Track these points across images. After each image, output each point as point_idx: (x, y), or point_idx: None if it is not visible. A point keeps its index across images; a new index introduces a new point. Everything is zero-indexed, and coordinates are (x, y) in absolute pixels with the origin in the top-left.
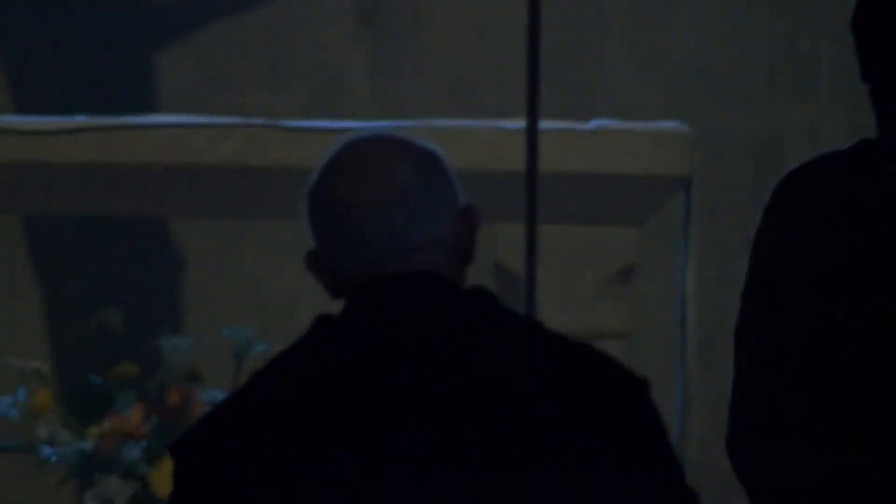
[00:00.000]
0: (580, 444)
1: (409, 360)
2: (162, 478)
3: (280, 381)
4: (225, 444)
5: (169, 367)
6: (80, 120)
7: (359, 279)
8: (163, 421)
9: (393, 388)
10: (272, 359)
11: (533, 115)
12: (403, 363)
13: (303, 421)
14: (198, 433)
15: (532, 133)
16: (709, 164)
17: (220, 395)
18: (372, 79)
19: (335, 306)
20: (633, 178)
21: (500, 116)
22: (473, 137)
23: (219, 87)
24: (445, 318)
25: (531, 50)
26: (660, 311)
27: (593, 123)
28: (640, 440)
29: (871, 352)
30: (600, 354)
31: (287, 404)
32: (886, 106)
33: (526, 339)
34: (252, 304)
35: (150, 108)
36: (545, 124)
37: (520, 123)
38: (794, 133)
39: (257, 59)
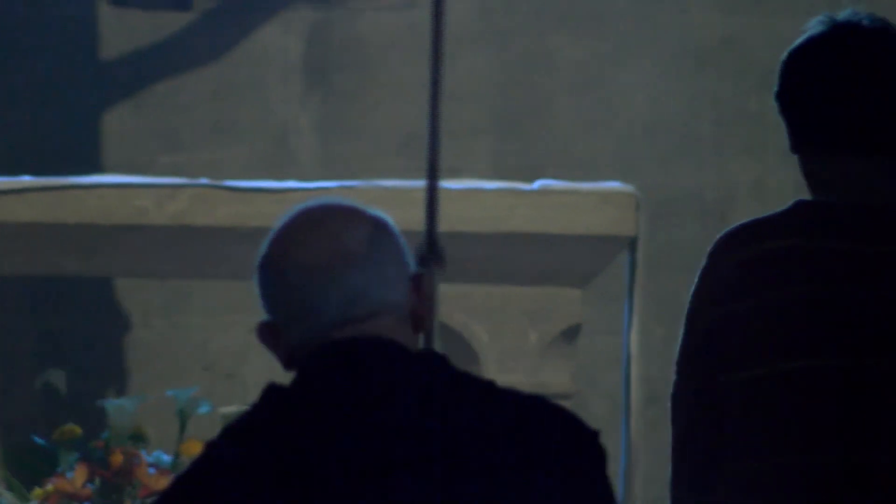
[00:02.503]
0: (532, 495)
1: (362, 426)
2: None
3: (234, 451)
4: None
5: (113, 427)
6: (26, 180)
7: (310, 346)
8: (107, 482)
9: (349, 455)
10: (225, 429)
11: (433, 176)
12: (357, 430)
13: (258, 491)
14: None
15: (432, 194)
16: (656, 222)
17: (164, 456)
18: (319, 137)
19: (280, 367)
20: (578, 238)
21: (448, 175)
22: (417, 196)
23: (165, 146)
24: (398, 383)
25: (432, 111)
26: (605, 370)
27: (538, 183)
28: (584, 488)
29: (808, 410)
30: (551, 407)
31: (242, 474)
32: (815, 174)
33: (478, 399)
34: (198, 364)
35: (97, 167)
36: (490, 184)
37: (465, 183)
38: (742, 191)
39: (204, 117)
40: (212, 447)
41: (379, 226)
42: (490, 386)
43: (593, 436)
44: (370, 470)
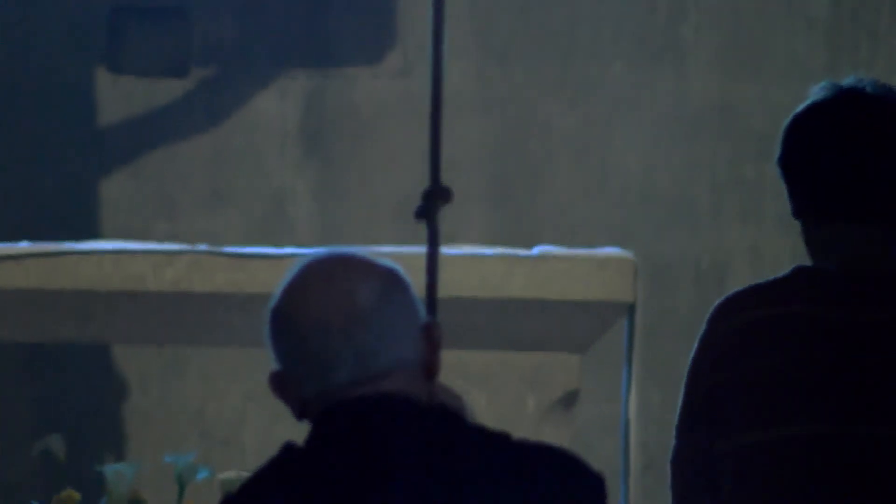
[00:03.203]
0: None
1: (379, 487)
2: None
3: None
4: None
5: (111, 493)
6: (24, 246)
7: (325, 402)
8: None
9: None
10: (245, 484)
11: (434, 240)
12: (373, 491)
13: None
14: None
15: (432, 261)
16: (652, 288)
17: None
18: (315, 203)
19: (278, 433)
20: (576, 304)
21: (445, 241)
22: (415, 263)
23: (162, 213)
24: (414, 443)
25: (433, 173)
26: (603, 436)
27: (536, 249)
28: None
29: (805, 476)
30: (563, 456)
31: None
32: (816, 241)
33: (494, 453)
34: (195, 430)
35: (93, 233)
36: (488, 250)
37: (463, 249)
38: (738, 257)
39: (201, 184)
40: (229, 502)
41: (391, 279)
42: (504, 439)
43: (599, 481)
44: None
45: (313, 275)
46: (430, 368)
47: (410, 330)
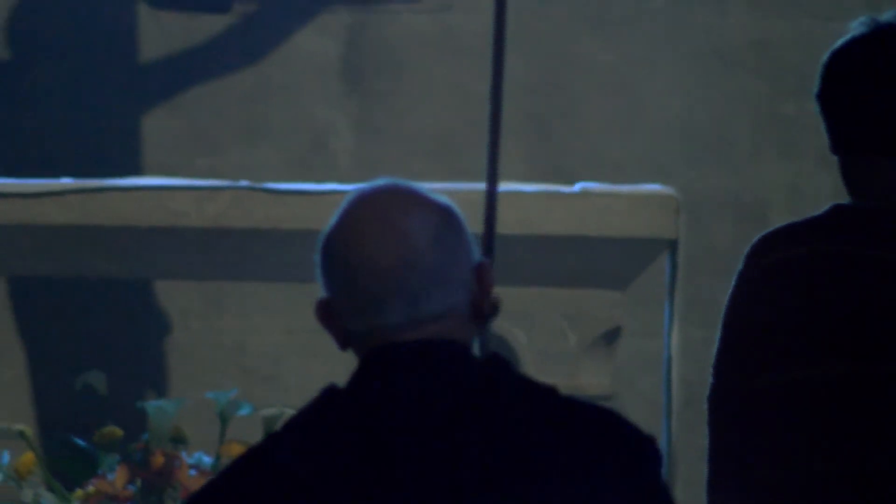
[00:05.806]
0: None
1: (420, 433)
2: None
3: (290, 450)
4: None
5: (153, 429)
6: (65, 182)
7: (371, 341)
8: (147, 483)
9: (409, 463)
10: (285, 426)
11: (493, 178)
12: (414, 437)
13: (315, 493)
14: (209, 494)
15: (491, 196)
16: (691, 225)
17: (204, 457)
18: (355, 139)
19: (319, 368)
20: (618, 241)
21: (482, 177)
22: (454, 199)
23: (203, 148)
24: (460, 390)
25: (493, 115)
26: (644, 372)
27: (578, 186)
28: (641, 496)
29: (839, 414)
30: (612, 417)
31: (298, 475)
32: (854, 177)
33: (541, 407)
34: (235, 366)
35: (134, 169)
36: (530, 187)
37: (505, 186)
38: (777, 194)
39: (241, 119)
40: (271, 442)
41: (447, 218)
42: (552, 393)
43: (651, 445)
44: (428, 477)
45: (369, 208)
46: (479, 309)
47: (463, 272)
